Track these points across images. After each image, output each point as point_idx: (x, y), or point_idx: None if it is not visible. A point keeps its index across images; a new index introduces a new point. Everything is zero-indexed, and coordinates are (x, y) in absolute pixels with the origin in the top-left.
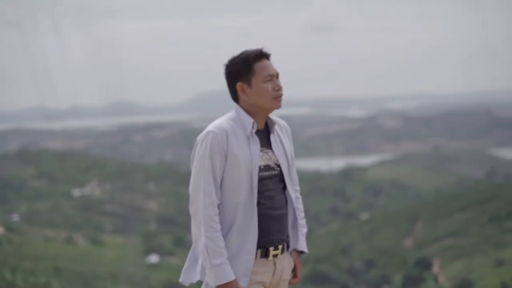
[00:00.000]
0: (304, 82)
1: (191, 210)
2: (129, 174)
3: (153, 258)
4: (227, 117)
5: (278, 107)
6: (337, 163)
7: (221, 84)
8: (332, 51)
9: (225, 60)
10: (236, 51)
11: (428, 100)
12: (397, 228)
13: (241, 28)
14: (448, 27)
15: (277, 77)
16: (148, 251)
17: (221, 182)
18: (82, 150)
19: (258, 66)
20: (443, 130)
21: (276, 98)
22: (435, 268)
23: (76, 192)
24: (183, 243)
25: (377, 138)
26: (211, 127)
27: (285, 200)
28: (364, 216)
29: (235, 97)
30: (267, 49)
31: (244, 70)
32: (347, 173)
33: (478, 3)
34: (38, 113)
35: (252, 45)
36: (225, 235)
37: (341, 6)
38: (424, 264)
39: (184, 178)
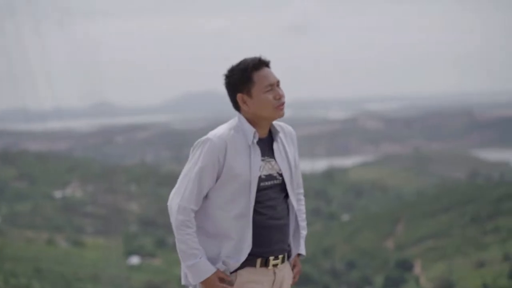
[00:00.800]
0: (284, 84)
1: (168, 207)
2: (110, 175)
3: (135, 260)
4: (229, 126)
5: (281, 115)
6: (319, 165)
7: (203, 85)
8: (311, 52)
9: (207, 62)
10: (215, 53)
11: (408, 101)
12: (378, 229)
13: (221, 28)
14: (429, 28)
15: (278, 85)
16: (129, 253)
17: (214, 192)
18: (64, 152)
19: (257, 76)
20: (424, 131)
21: (278, 107)
22: (417, 269)
23: (58, 194)
24: (164, 245)
25: (358, 139)
26: (211, 134)
27: (287, 209)
28: (345, 217)
29: (236, 107)
30: (265, 56)
31: (243, 81)
32: (329, 175)
33: (460, 3)
34: (19, 115)
35: (232, 46)
36: (217, 249)
37: (320, 8)
38: (405, 265)
39: (165, 179)
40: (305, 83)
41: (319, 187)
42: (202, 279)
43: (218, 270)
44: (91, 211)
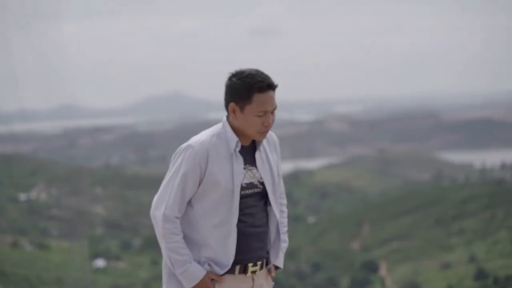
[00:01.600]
0: None
1: (151, 216)
2: (75, 178)
3: (100, 263)
4: (212, 132)
5: (261, 139)
6: (285, 167)
7: (169, 87)
8: (278, 55)
9: (173, 64)
10: (182, 55)
11: (374, 104)
12: (344, 231)
13: (188, 30)
14: (395, 30)
15: (273, 112)
16: (94, 256)
17: (195, 200)
18: (28, 154)
19: (257, 97)
20: (389, 133)
21: (262, 133)
22: (382, 271)
23: (22, 196)
24: (130, 247)
25: (324, 141)
26: (193, 141)
27: (266, 217)
28: (311, 219)
29: (227, 106)
30: (274, 80)
31: (243, 95)
32: (295, 177)
33: (428, 4)
34: None
35: (199, 48)
36: (197, 256)
37: (287, 11)
38: (371, 267)
39: (130, 182)
40: None
41: (285, 189)
42: (196, 282)
43: (208, 271)
44: (56, 214)
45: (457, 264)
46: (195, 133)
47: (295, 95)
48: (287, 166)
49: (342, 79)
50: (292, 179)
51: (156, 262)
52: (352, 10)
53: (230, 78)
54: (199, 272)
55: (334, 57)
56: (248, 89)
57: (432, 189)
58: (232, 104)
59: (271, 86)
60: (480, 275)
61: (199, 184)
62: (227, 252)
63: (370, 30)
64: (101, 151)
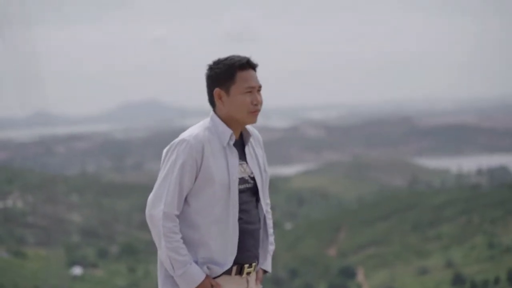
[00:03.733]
0: None
1: (148, 216)
2: (51, 185)
3: (77, 270)
4: (202, 126)
5: (253, 122)
6: None
7: (143, 94)
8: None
9: (147, 71)
10: (155, 62)
11: (348, 109)
12: (320, 237)
13: (161, 37)
14: (368, 36)
15: (259, 90)
16: (71, 263)
17: (191, 196)
18: (3, 162)
19: (240, 75)
20: (363, 139)
21: (252, 112)
22: (359, 277)
23: None
24: (106, 255)
25: (299, 147)
26: (186, 135)
27: (258, 214)
28: (288, 225)
29: (211, 100)
30: (254, 59)
31: (225, 76)
32: (270, 183)
33: (405, 11)
34: None
35: (171, 55)
36: (195, 256)
37: (260, 17)
38: (348, 273)
39: (106, 189)
40: None
41: None
42: (196, 285)
43: (207, 274)
44: (32, 221)
45: (434, 270)
46: (171, 140)
47: (270, 102)
48: None
49: (316, 85)
50: (268, 186)
51: (133, 269)
52: (328, 16)
53: (210, 68)
54: (199, 275)
55: (308, 63)
56: (229, 69)
57: (408, 195)
58: (217, 90)
59: (251, 64)
60: (457, 280)
61: (195, 179)
62: (227, 250)
63: (344, 37)
64: (77, 158)
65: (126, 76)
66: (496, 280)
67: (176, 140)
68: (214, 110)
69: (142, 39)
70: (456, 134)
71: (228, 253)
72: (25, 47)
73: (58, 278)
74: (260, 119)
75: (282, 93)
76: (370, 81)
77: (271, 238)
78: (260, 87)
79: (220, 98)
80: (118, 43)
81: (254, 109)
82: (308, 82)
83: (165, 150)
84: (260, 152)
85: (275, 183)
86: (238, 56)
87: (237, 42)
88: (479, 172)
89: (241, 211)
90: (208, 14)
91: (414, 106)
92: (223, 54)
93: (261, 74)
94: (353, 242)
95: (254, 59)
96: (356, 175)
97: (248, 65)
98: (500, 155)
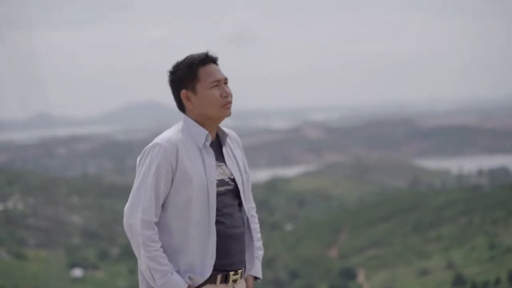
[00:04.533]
0: None
1: (127, 226)
2: (52, 187)
3: (77, 272)
4: (176, 129)
5: (227, 115)
6: (261, 175)
7: (144, 95)
8: (252, 62)
9: (148, 72)
10: (156, 63)
11: (350, 111)
12: (321, 238)
13: (161, 38)
14: (370, 37)
15: (226, 82)
16: (72, 265)
17: (168, 201)
18: (4, 164)
19: (203, 71)
20: (364, 140)
21: (224, 106)
22: (360, 278)
23: None
24: (107, 257)
25: (300, 149)
26: (159, 139)
27: (242, 218)
28: (288, 227)
29: (180, 106)
30: (213, 52)
31: (188, 76)
32: (272, 184)
33: (405, 11)
34: None
35: (172, 56)
36: (172, 260)
37: (261, 18)
38: (349, 274)
39: (108, 191)
40: (246, 93)
41: (262, 197)
42: None
43: (189, 284)
44: (33, 223)
45: (434, 271)
46: None
47: (271, 103)
48: (264, 174)
49: (318, 86)
50: (269, 187)
51: (134, 271)
52: (328, 16)
53: (171, 73)
54: (180, 285)
55: (309, 64)
56: (190, 68)
57: (409, 196)
58: (183, 92)
59: (211, 58)
60: (458, 281)
61: (171, 184)
62: (207, 253)
63: (344, 37)
64: (78, 160)
65: (127, 77)
66: (497, 281)
67: (149, 145)
68: (186, 114)
69: (142, 40)
70: (457, 135)
71: (208, 257)
72: (26, 48)
73: (59, 279)
74: (261, 120)
75: (283, 94)
76: (370, 82)
77: (259, 243)
78: (226, 79)
79: (188, 99)
80: (119, 44)
81: (225, 102)
82: (308, 83)
83: (138, 157)
84: (239, 154)
85: (275, 184)
86: (196, 53)
87: (237, 42)
88: (480, 173)
89: (224, 214)
90: (208, 14)
91: (415, 107)
92: (223, 55)
93: (262, 75)
94: (354, 243)
95: (212, 52)
96: (357, 176)
97: (208, 59)
98: (501, 156)
